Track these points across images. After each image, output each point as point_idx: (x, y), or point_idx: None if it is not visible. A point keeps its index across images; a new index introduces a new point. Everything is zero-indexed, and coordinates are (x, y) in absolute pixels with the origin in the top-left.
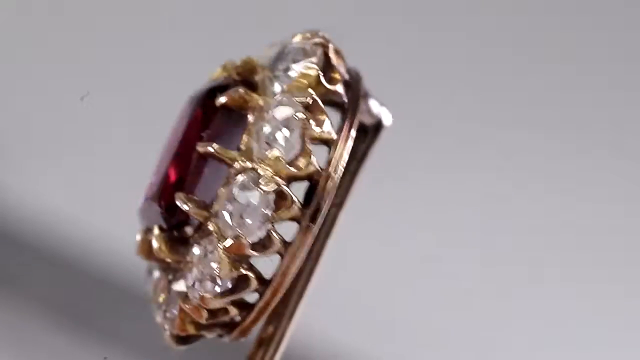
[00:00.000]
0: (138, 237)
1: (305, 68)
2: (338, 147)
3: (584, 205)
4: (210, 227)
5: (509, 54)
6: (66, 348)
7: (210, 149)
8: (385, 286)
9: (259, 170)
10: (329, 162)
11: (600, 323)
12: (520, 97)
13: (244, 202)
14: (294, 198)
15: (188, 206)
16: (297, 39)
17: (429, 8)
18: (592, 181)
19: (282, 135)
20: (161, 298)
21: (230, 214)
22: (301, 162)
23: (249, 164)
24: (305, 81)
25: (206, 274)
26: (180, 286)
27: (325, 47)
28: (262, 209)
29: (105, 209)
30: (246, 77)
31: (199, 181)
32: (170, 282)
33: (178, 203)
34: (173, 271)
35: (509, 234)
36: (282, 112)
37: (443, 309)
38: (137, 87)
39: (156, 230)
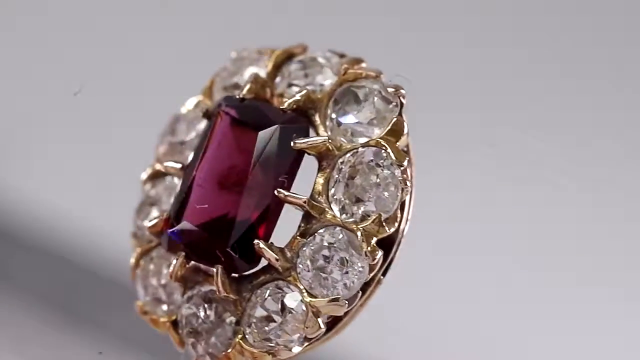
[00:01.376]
0: (174, 261)
1: (387, 118)
2: (408, 206)
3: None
4: (292, 279)
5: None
6: (62, 343)
7: (300, 201)
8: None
9: (350, 229)
10: (402, 221)
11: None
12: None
13: (335, 260)
14: (381, 260)
15: (275, 258)
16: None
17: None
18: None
19: (375, 192)
20: (199, 324)
21: (320, 270)
22: (390, 225)
23: (338, 220)
24: (393, 139)
25: (287, 329)
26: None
27: (401, 96)
28: (350, 269)
29: (100, 206)
30: (304, 109)
31: (274, 227)
32: (220, 317)
33: (264, 253)
34: (218, 303)
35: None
36: (379, 173)
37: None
38: (134, 86)
39: (219, 270)
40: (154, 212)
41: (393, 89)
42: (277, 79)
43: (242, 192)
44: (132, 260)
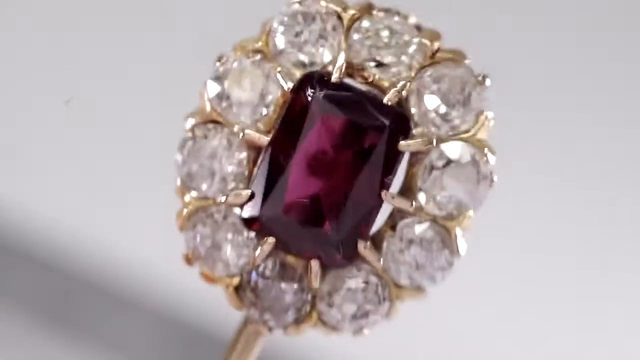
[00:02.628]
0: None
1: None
2: None
3: None
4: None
5: None
6: (52, 351)
7: (408, 205)
8: None
9: (441, 225)
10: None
11: None
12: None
13: (424, 255)
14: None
15: (378, 262)
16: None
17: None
18: None
19: (465, 188)
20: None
21: (409, 265)
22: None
23: (429, 215)
24: (483, 134)
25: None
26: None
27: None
28: (438, 263)
29: (88, 212)
30: (399, 107)
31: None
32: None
33: (368, 256)
34: (295, 280)
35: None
36: (470, 169)
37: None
38: (131, 90)
39: (317, 265)
40: (221, 176)
41: (480, 77)
42: (354, 39)
43: (348, 191)
44: (184, 211)
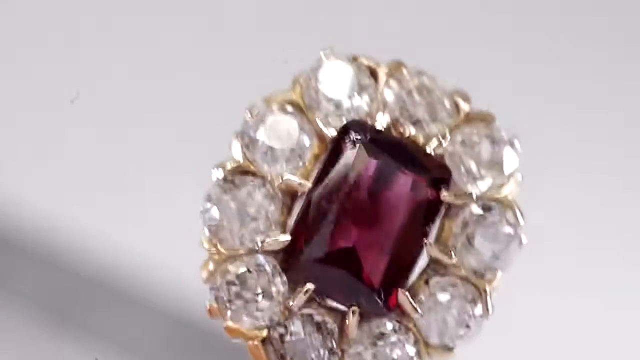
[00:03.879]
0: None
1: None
2: None
3: None
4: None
5: None
6: (58, 349)
7: (447, 258)
8: None
9: (474, 284)
10: None
11: None
12: None
13: (456, 314)
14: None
15: (415, 311)
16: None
17: None
18: None
19: (498, 249)
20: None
21: (442, 322)
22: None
23: (462, 273)
24: (513, 193)
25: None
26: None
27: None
28: (470, 322)
29: (93, 209)
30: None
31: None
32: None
33: (405, 305)
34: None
35: None
36: (503, 231)
37: None
38: (130, 90)
39: (356, 314)
40: (255, 224)
41: (511, 140)
42: (388, 96)
43: (390, 239)
44: (211, 263)
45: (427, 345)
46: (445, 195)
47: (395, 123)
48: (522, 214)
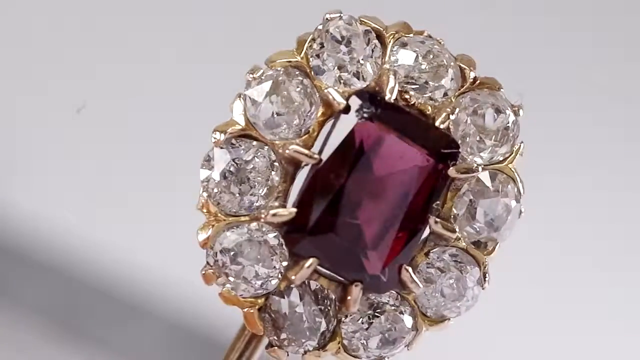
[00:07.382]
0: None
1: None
2: None
3: None
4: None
5: None
6: (61, 358)
7: (450, 233)
8: None
9: (472, 254)
10: None
11: None
12: None
13: (453, 285)
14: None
15: (418, 287)
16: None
17: None
18: None
19: (500, 219)
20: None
21: (440, 293)
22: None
23: (462, 244)
24: (514, 163)
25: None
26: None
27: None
28: (466, 294)
29: (97, 218)
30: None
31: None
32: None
33: (408, 281)
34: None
35: None
36: (504, 201)
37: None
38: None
39: (359, 289)
40: (256, 192)
41: (516, 107)
42: (394, 61)
43: (397, 214)
44: (209, 228)
45: (424, 315)
46: (451, 170)
47: (400, 89)
48: (522, 184)
